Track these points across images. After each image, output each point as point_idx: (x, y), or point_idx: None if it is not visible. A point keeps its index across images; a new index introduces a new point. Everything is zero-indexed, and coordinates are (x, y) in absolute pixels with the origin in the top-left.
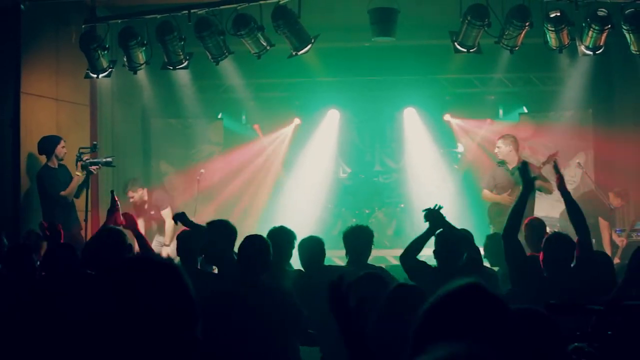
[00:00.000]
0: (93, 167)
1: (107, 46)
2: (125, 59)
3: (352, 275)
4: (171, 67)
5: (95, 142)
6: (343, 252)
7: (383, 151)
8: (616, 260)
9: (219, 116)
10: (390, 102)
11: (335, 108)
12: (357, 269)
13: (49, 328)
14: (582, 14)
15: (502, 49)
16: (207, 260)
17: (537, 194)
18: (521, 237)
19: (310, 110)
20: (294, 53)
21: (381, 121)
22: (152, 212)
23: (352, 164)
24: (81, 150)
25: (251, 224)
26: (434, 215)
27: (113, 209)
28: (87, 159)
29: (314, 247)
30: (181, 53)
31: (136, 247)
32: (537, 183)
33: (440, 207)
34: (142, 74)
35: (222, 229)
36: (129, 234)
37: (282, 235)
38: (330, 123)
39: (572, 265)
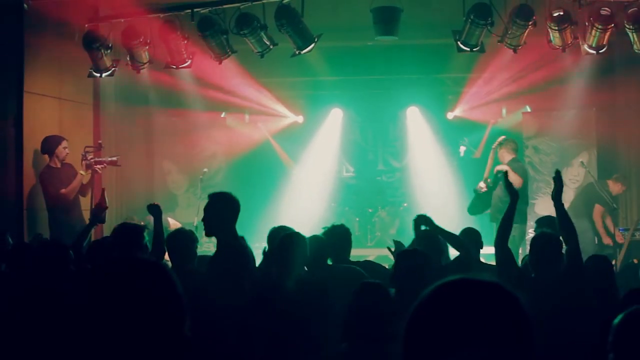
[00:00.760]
0: (98, 166)
1: (110, 45)
2: (128, 58)
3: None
4: (174, 66)
5: (100, 142)
6: None
7: (386, 150)
8: (620, 258)
9: (223, 114)
10: (393, 101)
11: (338, 107)
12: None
13: (37, 326)
14: (585, 12)
15: (506, 48)
16: (208, 231)
17: (538, 195)
18: None
19: (313, 110)
20: (297, 52)
21: (384, 120)
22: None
23: (355, 163)
24: (87, 149)
25: (254, 222)
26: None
27: (99, 206)
28: (92, 158)
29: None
30: (184, 52)
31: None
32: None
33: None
34: (145, 73)
35: (224, 200)
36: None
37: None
38: (333, 122)
39: (560, 269)
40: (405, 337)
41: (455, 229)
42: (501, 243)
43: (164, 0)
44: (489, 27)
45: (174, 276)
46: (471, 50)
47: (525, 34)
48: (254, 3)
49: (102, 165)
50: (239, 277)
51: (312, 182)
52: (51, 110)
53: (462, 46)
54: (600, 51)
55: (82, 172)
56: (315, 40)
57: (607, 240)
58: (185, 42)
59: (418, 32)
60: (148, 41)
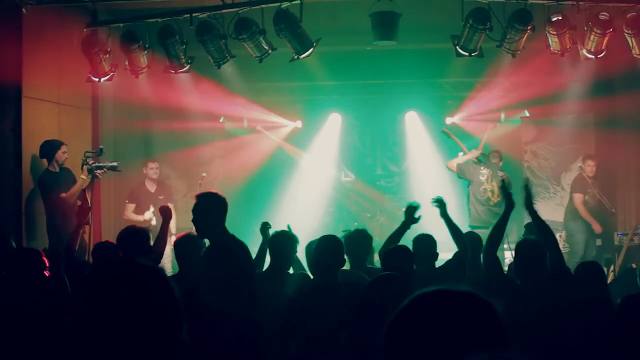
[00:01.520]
0: (99, 172)
1: (109, 50)
2: (127, 63)
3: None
4: (173, 71)
5: (101, 147)
6: None
7: (385, 155)
8: (618, 262)
9: (221, 119)
10: (391, 106)
11: (337, 112)
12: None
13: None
14: (584, 17)
15: (504, 53)
16: (199, 234)
17: (535, 200)
18: None
19: (312, 114)
20: (295, 57)
21: (383, 125)
22: (161, 197)
23: (353, 168)
24: (87, 154)
25: (253, 227)
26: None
27: (82, 207)
28: (92, 163)
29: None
30: (183, 57)
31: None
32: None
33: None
34: (143, 78)
35: (211, 200)
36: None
37: (284, 240)
38: (332, 127)
39: (545, 275)
40: (385, 347)
41: None
42: (490, 250)
43: (162, 5)
44: (487, 32)
45: (171, 281)
46: (470, 55)
47: (524, 39)
48: (252, 8)
49: (103, 170)
50: (237, 277)
51: (311, 186)
52: (50, 115)
53: (460, 51)
54: (599, 56)
55: (83, 176)
56: (314, 44)
57: (597, 228)
58: (184, 46)
59: (417, 36)
60: (147, 46)
